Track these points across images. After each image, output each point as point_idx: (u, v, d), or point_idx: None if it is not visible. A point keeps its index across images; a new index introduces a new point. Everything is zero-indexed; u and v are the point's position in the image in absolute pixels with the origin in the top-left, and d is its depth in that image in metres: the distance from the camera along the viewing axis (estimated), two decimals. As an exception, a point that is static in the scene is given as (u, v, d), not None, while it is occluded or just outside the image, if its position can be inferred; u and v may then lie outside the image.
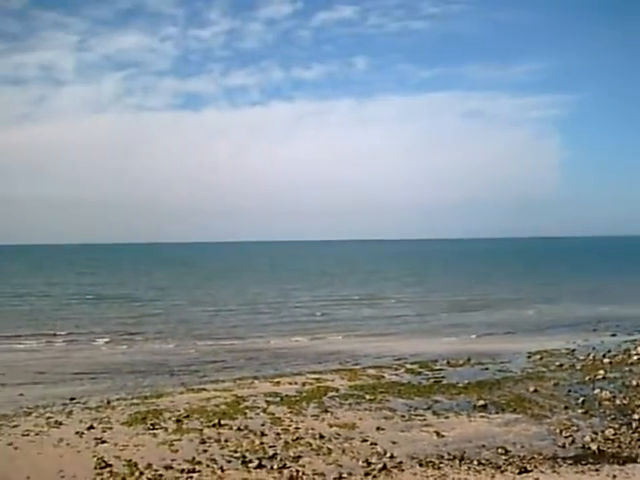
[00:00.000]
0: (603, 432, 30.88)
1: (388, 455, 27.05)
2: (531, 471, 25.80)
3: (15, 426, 31.77)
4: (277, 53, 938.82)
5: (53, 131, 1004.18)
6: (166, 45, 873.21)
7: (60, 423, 32.14)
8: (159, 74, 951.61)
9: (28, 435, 30.12)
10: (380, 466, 25.59)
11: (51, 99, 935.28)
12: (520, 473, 25.49)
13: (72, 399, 38.69)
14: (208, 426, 31.32)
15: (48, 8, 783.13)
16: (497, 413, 34.66)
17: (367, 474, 24.99)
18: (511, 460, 27.00)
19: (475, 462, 26.63)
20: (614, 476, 25.35)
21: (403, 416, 33.82)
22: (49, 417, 33.46)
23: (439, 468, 25.89)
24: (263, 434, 30.10)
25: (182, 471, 24.79)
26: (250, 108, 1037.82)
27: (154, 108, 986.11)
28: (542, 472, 25.72)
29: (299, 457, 26.72)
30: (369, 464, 25.96)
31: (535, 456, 27.57)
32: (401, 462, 26.36)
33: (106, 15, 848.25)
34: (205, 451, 27.48)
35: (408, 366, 48.66)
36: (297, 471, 24.82)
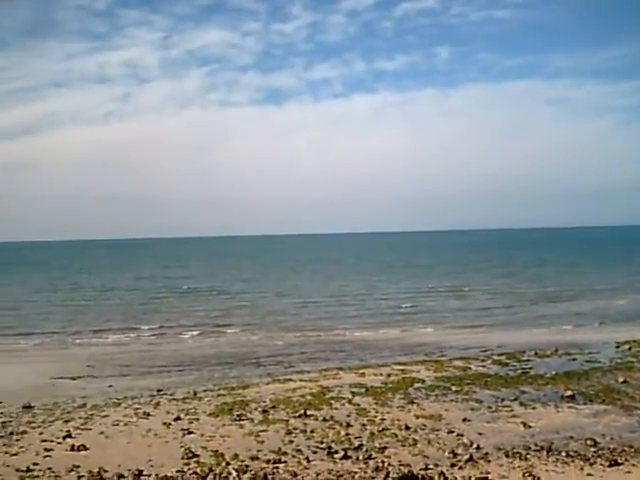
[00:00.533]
0: (699, 424, 29.85)
1: (474, 446, 26.66)
2: (622, 464, 24.96)
3: (105, 416, 32.71)
4: (359, 45, 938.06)
5: (138, 128, 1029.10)
6: (248, 40, 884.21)
7: (148, 414, 32.88)
8: (242, 69, 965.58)
9: (118, 425, 30.93)
10: (466, 457, 25.24)
11: (135, 96, 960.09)
12: (610, 466, 24.69)
13: (159, 390, 39.56)
14: (294, 417, 31.53)
15: (131, 7, 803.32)
16: (585, 404, 33.82)
17: (453, 465, 24.67)
18: (600, 452, 26.19)
19: (563, 454, 25.96)
20: None
21: (490, 407, 33.35)
22: (137, 408, 34.30)
23: (526, 459, 25.35)
24: (349, 425, 30.11)
25: (268, 462, 24.96)
26: (332, 101, 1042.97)
27: (237, 103, 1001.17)
28: (633, 465, 24.87)
29: (385, 448, 26.60)
30: (455, 455, 25.64)
31: (626, 448, 26.65)
32: (487, 453, 25.95)
33: (188, 11, 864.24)
34: (291, 442, 27.64)
35: (495, 357, 48.06)
36: (383, 462, 24.67)
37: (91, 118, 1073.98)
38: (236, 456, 25.60)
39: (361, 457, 25.41)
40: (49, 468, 24.63)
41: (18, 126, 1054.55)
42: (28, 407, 35.29)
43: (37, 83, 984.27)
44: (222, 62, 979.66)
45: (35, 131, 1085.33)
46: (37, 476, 23.92)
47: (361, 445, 26.91)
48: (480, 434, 28.61)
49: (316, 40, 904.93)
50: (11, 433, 30.09)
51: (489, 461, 25.14)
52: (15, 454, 26.75)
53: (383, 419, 31.12)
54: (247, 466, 24.40)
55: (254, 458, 25.40)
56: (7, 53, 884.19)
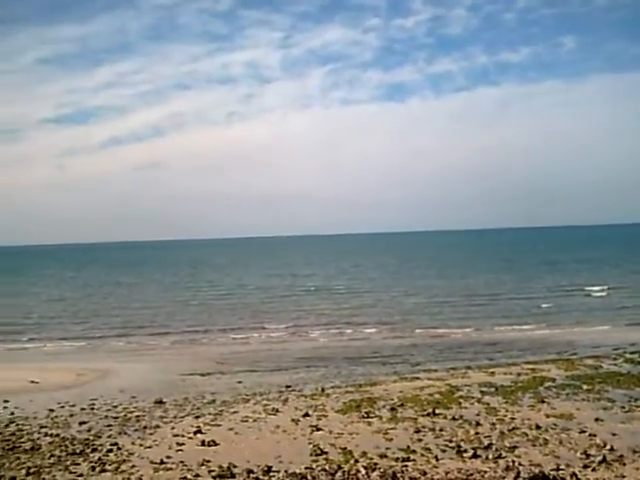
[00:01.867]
0: None
1: (608, 447, 25.87)
2: None
3: (235, 412, 33.68)
4: (482, 38, 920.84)
5: (260, 128, 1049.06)
6: (369, 37, 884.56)
7: (277, 410, 33.62)
8: (363, 66, 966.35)
9: (247, 421, 31.78)
10: (599, 458, 24.54)
11: (258, 96, 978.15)
12: None
13: (288, 387, 40.38)
14: (422, 415, 31.53)
15: (253, 7, 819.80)
16: None
17: (586, 466, 24.04)
18: None
19: None
20: None
21: (623, 407, 32.34)
22: (266, 404, 35.13)
23: (666, 463, 24.44)
24: (478, 424, 29.85)
25: (397, 460, 25.07)
26: (455, 95, 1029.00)
27: (359, 101, 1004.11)
28: None
29: (515, 447, 26.23)
30: (588, 456, 24.97)
31: None
32: (622, 455, 25.12)
33: (309, 10, 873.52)
34: (419, 440, 27.65)
35: (627, 356, 46.61)
36: (513, 461, 24.33)
37: (215, 119, 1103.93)
38: (364, 454, 25.84)
39: (491, 456, 25.16)
40: (181, 462, 25.61)
41: (146, 128, 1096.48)
42: (160, 402, 36.80)
43: (163, 86, 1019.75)
44: (343, 60, 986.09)
45: (162, 132, 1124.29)
46: (170, 469, 24.92)
47: (491, 444, 26.64)
48: (614, 435, 27.77)
49: (437, 34, 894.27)
50: (145, 427, 31.49)
51: (624, 464, 24.34)
52: (149, 447, 27.98)
53: (513, 418, 30.70)
54: (376, 464, 24.58)
55: (382, 456, 25.56)
56: (134, 57, 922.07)
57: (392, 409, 32.82)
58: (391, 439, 27.89)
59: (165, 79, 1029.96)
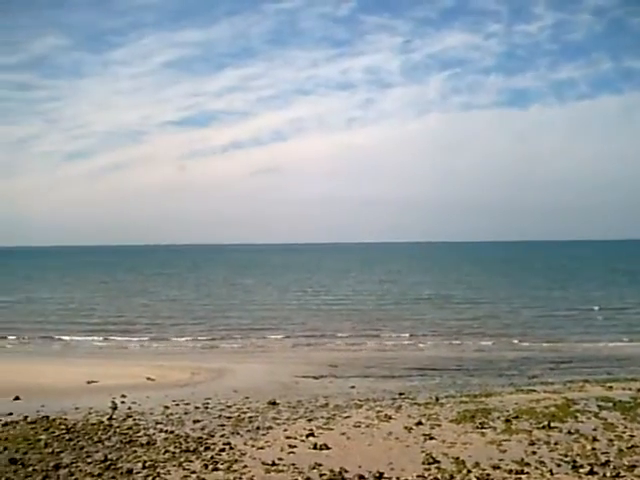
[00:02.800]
0: None
1: None
2: None
3: (347, 417, 33.78)
4: (606, 43, 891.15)
5: (380, 133, 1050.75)
6: (491, 42, 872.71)
7: (389, 417, 33.52)
8: (484, 71, 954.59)
9: (359, 426, 31.81)
10: None
11: (378, 102, 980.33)
12: None
13: (401, 394, 40.22)
14: (537, 428, 30.79)
15: (373, 12, 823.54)
16: None
17: None
18: None
19: None
20: None
21: None
22: (379, 410, 35.07)
23: None
24: (595, 439, 28.89)
25: (510, 472, 24.58)
26: (577, 103, 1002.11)
27: (479, 106, 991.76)
28: None
29: (634, 467, 25.14)
30: None
31: None
32: None
33: (430, 15, 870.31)
34: (534, 453, 27.03)
35: None
36: (633, 481, 23.52)
37: (335, 124, 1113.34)
38: (477, 464, 25.47)
39: (608, 474, 24.27)
40: (293, 464, 25.88)
41: (267, 133, 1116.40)
42: (273, 404, 37.31)
43: (284, 90, 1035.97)
44: (464, 65, 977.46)
45: (282, 137, 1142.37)
46: (281, 471, 25.22)
47: (608, 461, 25.72)
48: None
49: (561, 40, 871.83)
50: (257, 428, 31.99)
51: None
52: (261, 448, 28.40)
53: (632, 435, 29.53)
54: (488, 475, 24.20)
55: (496, 467, 25.12)
56: (256, 62, 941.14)
57: (507, 420, 32.22)
58: (505, 451, 27.38)
59: (286, 84, 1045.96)
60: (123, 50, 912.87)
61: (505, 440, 28.83)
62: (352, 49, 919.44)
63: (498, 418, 32.73)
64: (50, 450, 28.79)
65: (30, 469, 26.42)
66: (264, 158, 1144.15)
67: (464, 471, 24.73)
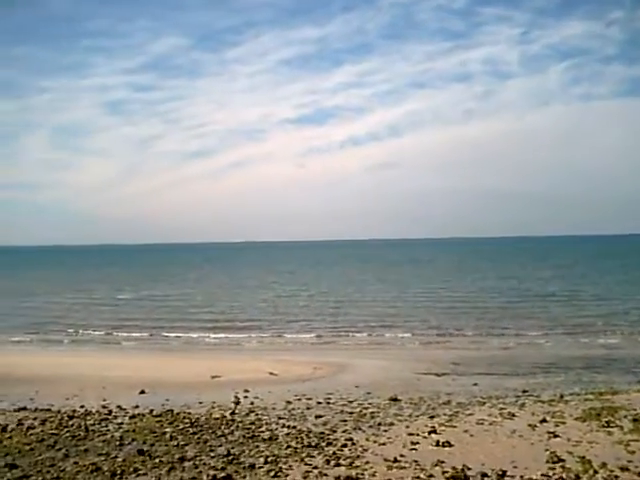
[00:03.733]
0: None
1: None
2: None
3: (470, 414, 33.64)
4: None
5: (497, 125, 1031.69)
6: (612, 30, 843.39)
7: (513, 415, 33.16)
8: (605, 60, 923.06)
9: (482, 424, 31.63)
10: None
11: (496, 93, 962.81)
12: None
13: (525, 391, 39.71)
14: (671, 428, 29.93)
15: (490, 3, 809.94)
16: None
17: None
18: None
19: None
20: None
21: None
22: (502, 408, 34.75)
23: None
24: None
25: (639, 474, 24.05)
26: None
27: (600, 96, 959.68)
28: None
29: None
30: None
31: None
32: None
33: (549, 5, 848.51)
34: (667, 455, 26.29)
35: None
36: None
37: (451, 116, 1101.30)
38: (604, 465, 24.92)
39: None
40: (415, 461, 26.02)
41: (384, 127, 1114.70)
42: (395, 400, 37.54)
43: (400, 85, 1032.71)
44: (584, 54, 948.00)
45: (398, 131, 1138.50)
46: (403, 467, 25.40)
47: None
48: None
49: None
50: (379, 424, 32.27)
51: None
52: (383, 444, 28.65)
53: None
54: (616, 476, 23.66)
55: (624, 469, 24.51)
56: (372, 57, 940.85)
57: (635, 420, 31.29)
58: (633, 452, 26.63)
59: (402, 78, 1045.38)
60: (240, 49, 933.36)
61: (633, 440, 28.05)
62: (468, 41, 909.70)
63: (625, 417, 31.86)
64: (175, 443, 29.94)
65: (157, 460, 27.56)
66: (380, 153, 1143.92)
67: (590, 471, 24.28)
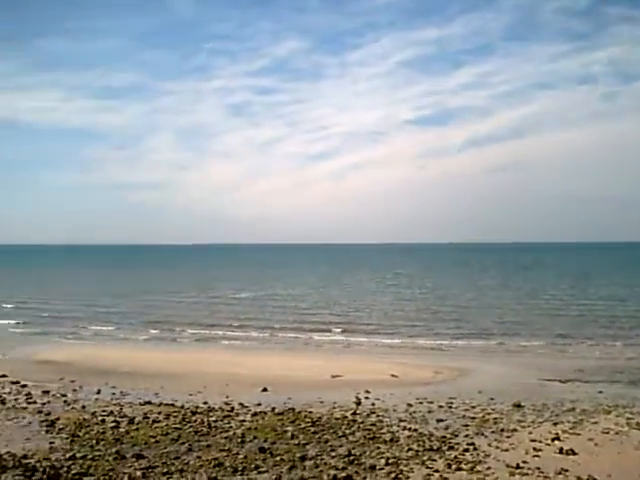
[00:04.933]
0: None
1: None
2: None
3: (595, 422, 32.96)
4: None
5: (625, 128, 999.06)
6: None
7: (641, 425, 32.37)
8: None
9: (608, 433, 30.97)
10: None
11: (621, 95, 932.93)
12: None
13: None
14: None
15: (613, 3, 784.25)
16: None
17: None
18: None
19: None
20: None
21: None
22: (629, 417, 33.88)
23: None
24: None
25: None
26: None
27: None
28: None
29: None
30: None
31: None
32: None
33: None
34: None
35: None
36: None
37: (574, 118, 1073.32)
38: None
39: None
40: (537, 468, 25.77)
41: (506, 129, 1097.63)
42: (518, 406, 37.15)
43: (521, 86, 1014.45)
44: None
45: (520, 133, 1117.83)
46: (526, 474, 25.20)
47: None
48: None
49: None
50: (502, 430, 32.03)
51: None
52: (505, 450, 28.48)
53: None
54: None
55: None
56: (492, 58, 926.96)
57: None
58: None
59: (523, 79, 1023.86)
60: (360, 51, 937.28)
61: None
62: (592, 42, 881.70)
63: None
64: (296, 442, 30.58)
65: (278, 458, 28.24)
66: (501, 155, 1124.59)
67: None
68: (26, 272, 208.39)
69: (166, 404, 38.68)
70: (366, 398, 39.61)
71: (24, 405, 38.34)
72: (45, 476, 26.03)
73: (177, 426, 33.61)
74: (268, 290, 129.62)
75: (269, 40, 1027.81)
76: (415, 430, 32.27)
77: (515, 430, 31.85)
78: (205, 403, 38.79)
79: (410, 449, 29.04)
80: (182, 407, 37.76)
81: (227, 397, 40.32)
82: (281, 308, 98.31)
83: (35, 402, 38.97)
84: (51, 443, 30.50)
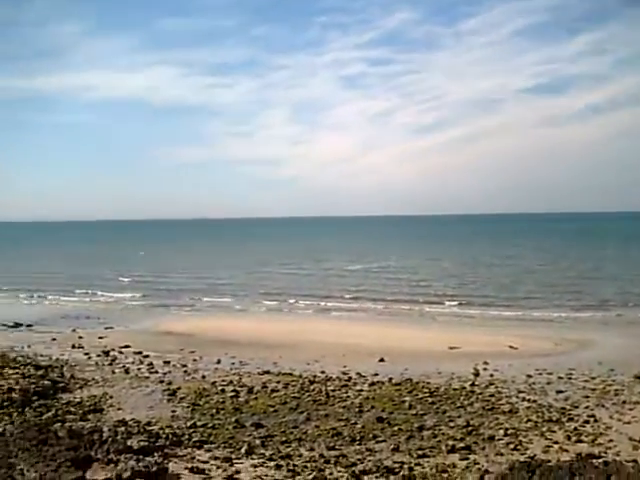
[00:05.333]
0: None
1: None
2: None
3: None
4: None
5: None
6: None
7: None
8: None
9: None
10: None
11: None
12: None
13: None
14: None
15: None
16: None
17: None
18: None
19: None
20: None
21: None
22: None
23: None
24: None
25: None
26: None
27: None
28: None
29: None
30: None
31: None
32: None
33: None
34: None
35: None
36: None
37: None
38: None
39: None
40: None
41: (625, 96, 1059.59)
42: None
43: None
44: None
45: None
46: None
47: None
48: None
49: None
50: (624, 402, 31.48)
51: None
52: (627, 422, 28.04)
53: None
54: None
55: None
56: (608, 25, 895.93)
57: None
58: None
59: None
60: (474, 20, 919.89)
61: None
62: None
63: None
64: (414, 412, 30.87)
65: (395, 428, 28.59)
66: (621, 122, 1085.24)
67: None
68: (142, 247, 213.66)
69: (284, 373, 39.58)
70: (484, 369, 39.49)
71: (147, 375, 39.97)
72: (168, 442, 27.15)
73: (295, 395, 34.40)
74: (381, 262, 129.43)
75: (380, 12, 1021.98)
76: (534, 401, 32.07)
77: (637, 402, 31.26)
78: (323, 372, 39.49)
79: (529, 420, 28.91)
80: (300, 376, 38.57)
81: (344, 367, 40.91)
82: (394, 280, 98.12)
83: (157, 372, 40.55)
84: (173, 411, 31.78)
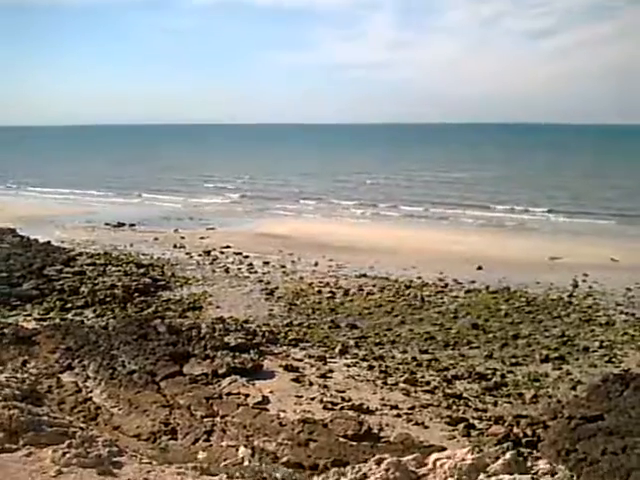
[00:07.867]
0: None
1: None
2: None
3: None
4: None
5: None
6: None
7: None
8: None
9: None
10: None
11: None
12: None
13: None
14: None
15: None
16: None
17: None
18: None
19: None
20: None
21: None
22: None
23: None
24: None
25: None
26: None
27: None
28: None
29: None
30: None
31: None
32: None
33: None
34: None
35: None
36: None
37: None
38: None
39: None
40: None
41: None
42: None
43: None
44: None
45: None
46: None
47: None
48: None
49: None
50: None
51: None
52: None
53: None
54: None
55: None
56: None
57: None
58: None
59: None
60: None
61: None
62: None
63: None
64: (510, 320, 31.27)
65: (490, 335, 29.10)
66: None
67: None
68: (240, 150, 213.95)
69: (380, 277, 40.32)
70: (583, 281, 39.26)
71: (246, 274, 41.33)
72: (264, 340, 28.33)
73: (390, 299, 35.16)
74: (483, 171, 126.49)
75: None
76: (632, 315, 31.97)
77: None
78: (419, 278, 40.05)
79: (626, 333, 28.94)
80: (396, 281, 39.25)
81: (441, 273, 41.32)
82: (493, 187, 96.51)
83: (256, 272, 41.88)
84: (270, 310, 33.03)
